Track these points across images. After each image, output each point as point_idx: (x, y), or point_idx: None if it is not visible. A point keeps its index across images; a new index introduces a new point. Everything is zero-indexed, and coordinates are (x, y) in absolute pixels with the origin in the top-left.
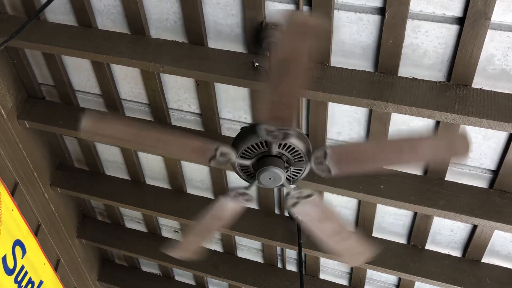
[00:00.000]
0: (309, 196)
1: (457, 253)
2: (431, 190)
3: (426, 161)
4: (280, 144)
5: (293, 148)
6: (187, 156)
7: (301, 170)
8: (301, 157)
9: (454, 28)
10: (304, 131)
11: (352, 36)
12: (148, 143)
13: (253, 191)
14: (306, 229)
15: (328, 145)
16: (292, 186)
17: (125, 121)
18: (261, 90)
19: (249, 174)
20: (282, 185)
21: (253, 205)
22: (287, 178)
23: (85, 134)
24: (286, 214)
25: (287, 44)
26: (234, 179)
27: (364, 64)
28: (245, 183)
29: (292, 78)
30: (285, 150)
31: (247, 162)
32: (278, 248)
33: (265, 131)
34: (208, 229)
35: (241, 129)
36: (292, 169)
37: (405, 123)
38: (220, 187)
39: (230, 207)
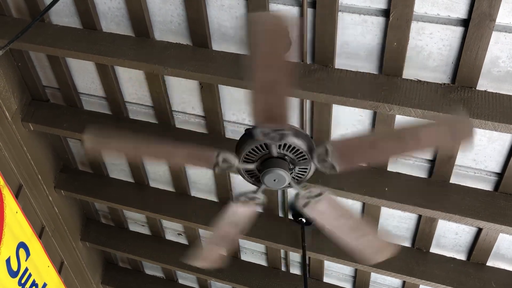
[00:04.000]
0: (319, 194)
1: (462, 257)
2: (436, 193)
3: (430, 148)
4: (279, 145)
5: (294, 148)
6: (190, 164)
7: (306, 169)
8: (304, 156)
9: (459, 30)
10: (308, 133)
11: (357, 38)
12: (150, 156)
13: (262, 194)
14: (322, 228)
15: (330, 140)
16: (300, 186)
17: (127, 136)
18: (249, 93)
19: (256, 177)
20: (290, 186)
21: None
22: (294, 178)
23: (89, 151)
24: (290, 217)
25: (263, 46)
26: (238, 181)
27: (368, 66)
28: (253, 187)
29: (276, 78)
30: (287, 151)
31: (251, 166)
32: (282, 251)
33: (261, 134)
34: (226, 236)
35: (245, 130)
36: (297, 169)
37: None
38: (224, 190)
39: (242, 212)
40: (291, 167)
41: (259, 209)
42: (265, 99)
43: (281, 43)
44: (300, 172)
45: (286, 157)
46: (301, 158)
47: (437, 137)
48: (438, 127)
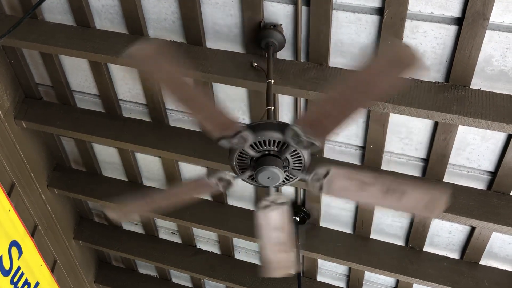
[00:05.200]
0: (282, 203)
1: (455, 255)
2: None
3: (404, 211)
4: (294, 150)
5: (300, 158)
6: (205, 122)
7: (292, 178)
8: (301, 167)
9: (453, 29)
10: None
11: (351, 36)
12: (180, 94)
13: (239, 186)
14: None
15: (332, 166)
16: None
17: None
18: (319, 95)
19: (243, 165)
20: (267, 186)
21: (251, 207)
22: None
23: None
24: None
25: (378, 68)
26: None
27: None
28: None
29: (358, 98)
30: (292, 156)
31: (253, 153)
32: None
33: (292, 133)
34: (168, 199)
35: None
36: (285, 174)
37: (403, 124)
38: None
39: (204, 186)
40: (284, 170)
41: (219, 191)
42: (328, 107)
43: (395, 80)
44: (285, 178)
45: (285, 161)
46: (297, 168)
47: (415, 203)
48: (420, 195)
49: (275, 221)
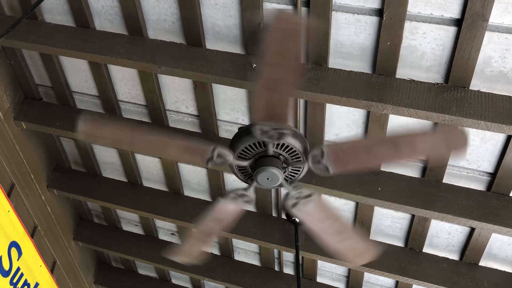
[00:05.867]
0: (308, 196)
1: (454, 256)
2: (429, 193)
3: (424, 156)
4: (277, 144)
5: (290, 148)
6: (183, 157)
7: (299, 169)
8: (299, 156)
9: (452, 30)
10: (301, 132)
11: (350, 37)
12: (144, 145)
13: (252, 192)
14: (307, 229)
15: (326, 143)
16: (291, 186)
17: (122, 123)
18: (253, 90)
19: (248, 175)
20: (281, 185)
21: (250, 207)
22: (285, 178)
23: (82, 136)
24: (284, 216)
25: (275, 43)
26: (231, 180)
27: (362, 65)
28: (244, 185)
29: (282, 77)
30: (282, 150)
31: (245, 163)
32: (275, 251)
33: (260, 131)
34: (208, 232)
35: (239, 129)
36: (290, 169)
37: (403, 125)
38: (217, 189)
39: (229, 209)
40: (284, 166)
41: (247, 207)
42: (268, 97)
43: (294, 42)
44: (292, 172)
45: (280, 156)
46: (295, 159)
47: (431, 145)
48: (433, 136)
49: (316, 213)
